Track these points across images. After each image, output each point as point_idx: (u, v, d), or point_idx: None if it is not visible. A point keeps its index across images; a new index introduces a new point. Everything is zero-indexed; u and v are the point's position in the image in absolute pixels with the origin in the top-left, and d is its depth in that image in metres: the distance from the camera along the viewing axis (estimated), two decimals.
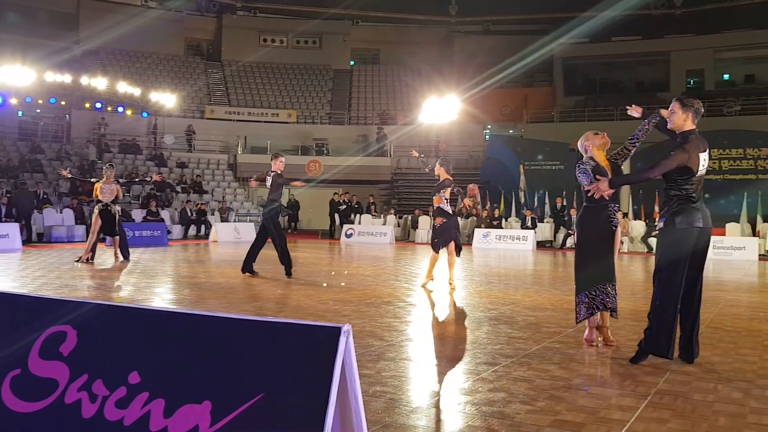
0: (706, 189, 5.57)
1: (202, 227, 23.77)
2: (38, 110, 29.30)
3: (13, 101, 26.25)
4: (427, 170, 10.64)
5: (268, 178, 10.94)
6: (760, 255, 18.61)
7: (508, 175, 26.89)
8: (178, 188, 26.87)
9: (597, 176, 5.60)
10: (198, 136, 31.54)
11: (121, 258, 13.57)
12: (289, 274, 10.91)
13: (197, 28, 37.72)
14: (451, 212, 9.92)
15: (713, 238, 6.19)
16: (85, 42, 32.52)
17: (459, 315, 7.77)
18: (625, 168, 6.08)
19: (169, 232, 21.38)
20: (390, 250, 19.71)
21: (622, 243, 18.36)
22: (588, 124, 26.31)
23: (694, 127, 5.16)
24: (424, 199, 26.09)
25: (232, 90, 35.44)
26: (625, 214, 21.14)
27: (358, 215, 25.85)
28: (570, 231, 20.89)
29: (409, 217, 25.43)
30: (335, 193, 26.99)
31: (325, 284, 10.25)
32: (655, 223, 6.14)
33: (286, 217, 25.82)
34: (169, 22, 35.72)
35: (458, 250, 9.96)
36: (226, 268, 12.66)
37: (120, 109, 29.80)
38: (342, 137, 33.42)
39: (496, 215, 23.31)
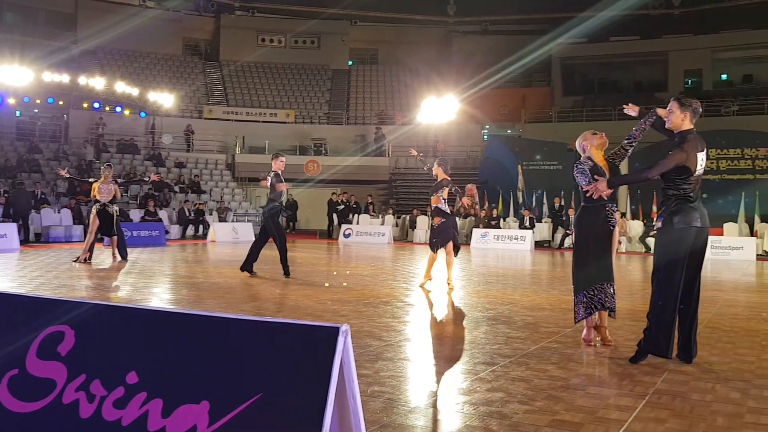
0: (703, 189, 5.58)
1: (200, 227, 23.76)
2: (36, 110, 29.28)
3: (11, 101, 26.22)
4: (425, 169, 10.64)
5: (268, 177, 10.97)
6: (757, 255, 18.65)
7: (506, 175, 26.89)
8: (176, 188, 26.85)
9: (595, 176, 5.60)
10: (196, 136, 31.53)
11: (119, 258, 13.56)
12: (287, 273, 10.91)
13: (195, 27, 37.69)
14: (449, 212, 9.92)
15: (711, 238, 6.21)
16: (83, 42, 32.47)
17: (457, 315, 7.77)
18: (623, 168, 6.09)
19: (167, 232, 21.36)
20: (388, 250, 19.71)
21: (620, 243, 18.37)
22: (586, 124, 26.33)
23: (692, 126, 5.17)
24: (422, 199, 26.10)
25: (230, 90, 35.42)
26: (623, 214, 21.17)
27: (356, 215, 25.85)
28: (568, 231, 20.90)
29: (408, 217, 25.44)
30: (333, 193, 26.99)
31: (327, 284, 10.25)
32: (653, 223, 6.14)
33: (285, 217, 25.82)
34: (167, 22, 35.70)
35: (456, 250, 9.97)
36: (224, 268, 12.65)
37: (118, 109, 29.78)
38: (340, 137, 33.41)
39: (494, 215, 23.32)
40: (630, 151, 5.78)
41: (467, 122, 32.04)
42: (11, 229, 17.13)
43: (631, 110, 5.81)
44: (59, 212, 21.06)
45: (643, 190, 21.79)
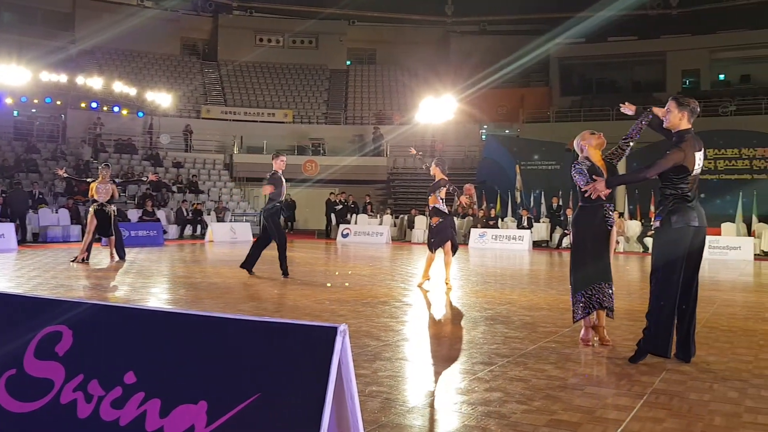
0: (701, 189, 5.59)
1: (198, 227, 23.74)
2: (34, 110, 29.25)
3: (9, 101, 26.20)
4: (424, 167, 10.67)
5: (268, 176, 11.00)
6: (755, 255, 18.67)
7: (504, 175, 26.90)
8: (174, 188, 26.83)
9: (593, 176, 5.61)
10: (194, 135, 31.51)
11: (116, 258, 13.55)
12: (285, 274, 10.91)
13: (193, 27, 37.67)
14: (447, 212, 9.93)
15: (709, 238, 6.21)
16: (81, 41, 32.44)
17: (455, 315, 7.77)
18: (621, 168, 6.09)
19: (165, 232, 21.34)
20: (386, 250, 19.71)
21: (617, 243, 18.40)
22: (584, 124, 26.35)
23: (689, 126, 5.18)
24: (420, 199, 26.11)
25: (228, 90, 35.41)
26: (621, 214, 21.19)
27: (354, 215, 25.84)
28: (566, 231, 20.90)
29: (406, 217, 25.43)
30: (331, 193, 26.97)
31: (329, 284, 10.25)
32: (651, 223, 6.16)
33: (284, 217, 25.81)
34: (165, 22, 35.67)
35: (454, 250, 9.97)
36: (222, 268, 12.65)
37: (116, 108, 29.76)
38: (338, 137, 33.41)
39: (492, 215, 23.32)
40: (627, 150, 5.79)
41: (465, 122, 32.05)
42: (9, 229, 17.10)
43: (628, 109, 5.81)
44: (57, 212, 21.03)
45: (641, 190, 21.81)
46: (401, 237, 25.06)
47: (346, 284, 10.29)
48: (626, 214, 21.99)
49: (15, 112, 28.20)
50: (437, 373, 4.92)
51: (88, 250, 13.25)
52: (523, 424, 3.67)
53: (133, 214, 22.08)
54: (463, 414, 3.87)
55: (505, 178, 26.56)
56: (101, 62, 33.13)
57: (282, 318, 4.75)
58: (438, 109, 27.96)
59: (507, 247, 20.80)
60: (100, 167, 14.15)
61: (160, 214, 22.90)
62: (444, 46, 37.77)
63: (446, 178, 9.91)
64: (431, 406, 4.08)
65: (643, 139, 5.80)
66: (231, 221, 24.74)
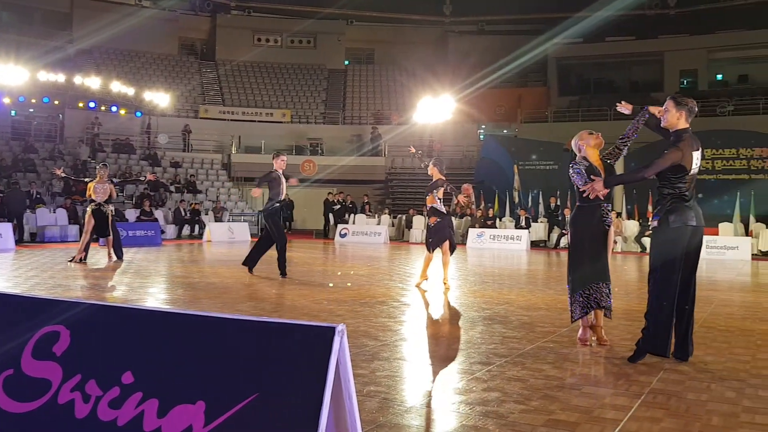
0: (699, 189, 5.60)
1: (196, 227, 23.73)
2: (31, 109, 29.22)
3: (6, 100, 26.17)
4: (422, 166, 10.68)
5: (292, 177, 11.08)
6: (752, 255, 18.69)
7: (503, 174, 26.92)
8: (172, 188, 26.81)
9: (591, 176, 5.62)
10: (192, 135, 31.49)
11: (114, 258, 13.53)
12: (283, 274, 10.90)
13: (191, 27, 37.64)
14: (444, 212, 9.93)
15: (707, 238, 6.23)
16: (79, 41, 32.41)
17: (453, 315, 7.77)
18: (619, 168, 6.09)
19: (162, 231, 21.33)
20: (384, 250, 19.71)
21: (615, 243, 18.41)
22: (582, 124, 26.37)
23: (687, 125, 5.18)
24: (418, 199, 26.07)
25: (226, 89, 35.39)
26: (619, 214, 21.21)
27: (352, 215, 25.85)
28: (564, 231, 20.92)
29: (404, 217, 25.44)
30: (329, 193, 26.97)
31: (331, 284, 10.24)
32: (649, 223, 6.16)
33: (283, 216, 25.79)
34: (163, 22, 35.65)
35: (452, 250, 9.98)
36: (220, 268, 12.64)
37: (114, 108, 29.73)
38: (336, 137, 33.41)
39: (490, 215, 23.33)
40: (624, 150, 5.80)
41: (463, 122, 32.07)
42: (6, 228, 17.08)
43: (625, 108, 5.81)
44: (55, 212, 21.02)
45: (639, 189, 21.84)
46: (399, 237, 25.07)
47: (348, 284, 10.28)
48: (624, 214, 22.00)
49: (13, 112, 28.17)
50: (435, 373, 4.92)
51: (86, 250, 13.24)
52: (521, 424, 3.67)
53: (131, 214, 22.07)
54: (461, 414, 3.87)
55: (503, 178, 26.57)
56: (99, 62, 33.10)
57: (280, 318, 4.75)
58: (436, 109, 27.99)
59: (505, 247, 20.81)
60: (97, 167, 14.13)
61: (158, 213, 22.89)
62: (442, 46, 37.78)
63: (444, 178, 9.91)
64: (429, 405, 4.08)
65: (640, 139, 5.80)
66: (229, 221, 24.73)
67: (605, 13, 31.14)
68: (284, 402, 2.34)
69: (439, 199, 9.86)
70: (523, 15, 36.41)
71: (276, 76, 36.83)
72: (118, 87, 28.91)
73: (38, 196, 22.07)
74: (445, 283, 9.86)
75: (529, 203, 24.39)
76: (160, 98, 29.99)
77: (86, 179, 14.99)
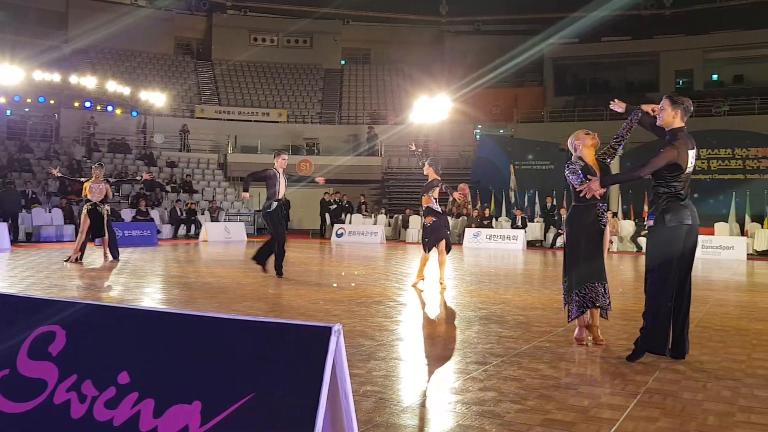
0: (694, 189, 5.62)
1: (192, 227, 23.69)
2: (27, 109, 29.13)
3: (2, 100, 26.08)
4: (421, 164, 10.69)
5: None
6: (748, 254, 18.75)
7: (499, 174, 26.94)
8: (168, 188, 26.77)
9: (587, 176, 5.62)
10: (188, 135, 31.44)
11: (110, 258, 13.50)
12: (280, 274, 10.89)
13: (187, 27, 37.59)
14: (440, 211, 9.95)
15: (702, 238, 6.26)
16: (75, 41, 32.35)
17: (449, 314, 7.77)
18: (614, 167, 6.11)
19: (158, 231, 21.30)
20: (381, 250, 19.71)
21: (611, 242, 18.44)
22: (578, 124, 26.41)
23: (682, 124, 5.20)
24: (414, 199, 26.10)
25: (222, 89, 35.35)
26: (615, 214, 21.24)
27: (348, 215, 25.84)
28: (560, 230, 20.95)
29: (400, 217, 25.45)
30: (326, 193, 26.95)
31: (335, 284, 10.23)
32: (644, 222, 6.17)
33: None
34: (159, 21, 35.59)
35: (448, 249, 9.99)
36: (216, 268, 12.62)
37: (109, 108, 29.65)
38: (333, 137, 33.40)
39: (487, 215, 23.35)
40: (619, 149, 5.80)
41: (459, 122, 32.08)
42: (1, 228, 17.01)
43: (618, 106, 5.80)
44: (50, 212, 20.96)
45: (635, 189, 21.88)
46: (395, 237, 25.07)
47: (352, 284, 10.27)
48: (620, 214, 22.04)
49: (8, 112, 28.07)
50: (431, 373, 4.93)
51: (82, 249, 13.21)
52: (517, 424, 3.67)
53: (127, 214, 22.03)
54: (458, 413, 3.87)
55: (500, 178, 26.60)
56: (95, 61, 33.03)
57: (276, 318, 4.75)
58: (432, 109, 27.98)
59: (501, 247, 20.84)
60: (93, 167, 14.10)
61: (154, 213, 22.85)
62: (438, 46, 37.80)
63: (439, 178, 9.92)
64: (425, 405, 4.08)
65: (636, 139, 5.82)
66: (225, 221, 24.71)
67: (601, 14, 31.19)
68: (281, 402, 2.34)
69: (435, 199, 9.87)
70: (519, 15, 36.43)
71: (272, 76, 36.79)
72: (113, 86, 28.84)
73: (34, 195, 22.01)
74: (441, 283, 9.87)
75: (526, 203, 24.43)
76: (156, 98, 29.93)
77: (82, 179, 14.97)
